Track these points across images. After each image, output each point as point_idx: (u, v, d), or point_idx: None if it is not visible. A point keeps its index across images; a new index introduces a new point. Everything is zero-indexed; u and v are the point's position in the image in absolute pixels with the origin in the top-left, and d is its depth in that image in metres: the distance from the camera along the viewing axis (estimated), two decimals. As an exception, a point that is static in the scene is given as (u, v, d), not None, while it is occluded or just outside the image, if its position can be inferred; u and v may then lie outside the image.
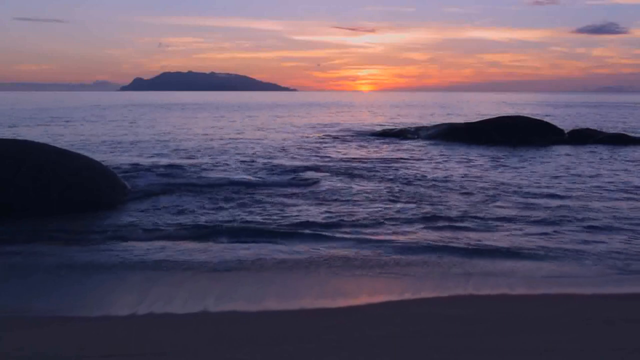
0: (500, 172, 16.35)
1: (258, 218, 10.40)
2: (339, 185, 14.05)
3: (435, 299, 6.65)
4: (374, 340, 5.17)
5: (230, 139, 27.39)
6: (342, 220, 10.27)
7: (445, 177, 15.43)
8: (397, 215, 10.67)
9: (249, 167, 17.32)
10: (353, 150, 22.43)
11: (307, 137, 28.67)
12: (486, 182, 14.53)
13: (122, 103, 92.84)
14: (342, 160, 19.20)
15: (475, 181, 14.73)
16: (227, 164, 17.84)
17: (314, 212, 10.86)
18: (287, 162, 18.46)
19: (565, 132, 26.18)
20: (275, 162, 18.40)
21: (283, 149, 22.42)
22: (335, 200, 12.15)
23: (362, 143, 25.31)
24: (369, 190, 13.31)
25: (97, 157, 16.50)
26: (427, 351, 4.92)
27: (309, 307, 6.42)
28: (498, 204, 11.85)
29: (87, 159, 12.54)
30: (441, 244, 8.83)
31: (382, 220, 10.28)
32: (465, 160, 19.14)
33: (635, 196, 12.89)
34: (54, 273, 7.39)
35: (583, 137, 25.23)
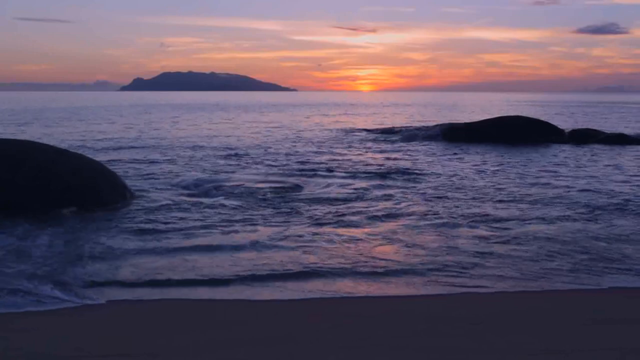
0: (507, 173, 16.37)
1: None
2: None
3: (436, 299, 6.66)
4: (374, 340, 5.17)
5: (251, 141, 27.38)
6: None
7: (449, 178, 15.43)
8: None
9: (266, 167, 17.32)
10: (357, 151, 22.44)
11: (309, 138, 28.66)
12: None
13: (124, 103, 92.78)
14: (350, 161, 19.20)
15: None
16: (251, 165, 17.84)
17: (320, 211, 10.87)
18: (297, 160, 18.48)
19: (566, 132, 26.19)
20: (289, 159, 18.42)
21: (293, 146, 22.45)
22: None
23: (365, 144, 25.31)
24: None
25: (98, 157, 16.52)
26: (427, 351, 4.92)
27: (309, 306, 6.43)
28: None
29: (87, 159, 12.55)
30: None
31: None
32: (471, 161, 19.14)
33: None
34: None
35: (583, 137, 25.25)
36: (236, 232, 9.46)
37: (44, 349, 4.99)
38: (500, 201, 12.04)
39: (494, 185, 14.05)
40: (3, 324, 5.71)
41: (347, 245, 8.73)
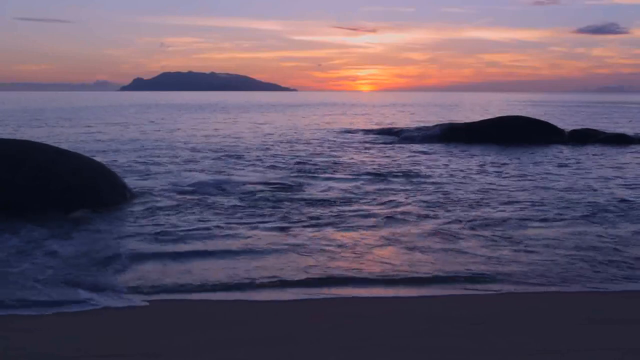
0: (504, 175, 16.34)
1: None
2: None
3: (436, 299, 6.66)
4: (375, 341, 5.17)
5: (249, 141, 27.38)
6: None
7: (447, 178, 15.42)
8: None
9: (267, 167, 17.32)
10: (357, 152, 22.43)
11: (309, 138, 28.66)
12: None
13: (124, 103, 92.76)
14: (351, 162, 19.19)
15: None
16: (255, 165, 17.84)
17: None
18: (294, 161, 18.48)
19: (566, 132, 26.19)
20: (288, 158, 18.43)
21: (292, 149, 22.46)
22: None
23: (364, 144, 25.31)
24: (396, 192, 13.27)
25: (98, 157, 16.50)
26: (428, 351, 4.92)
27: (309, 307, 6.42)
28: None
29: (87, 159, 12.55)
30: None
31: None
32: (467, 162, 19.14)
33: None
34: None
35: (583, 137, 25.27)
36: (235, 234, 9.39)
37: (45, 349, 4.98)
38: (501, 202, 12.02)
39: (494, 186, 14.04)
40: (4, 324, 5.71)
41: (347, 248, 8.68)
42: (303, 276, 7.36)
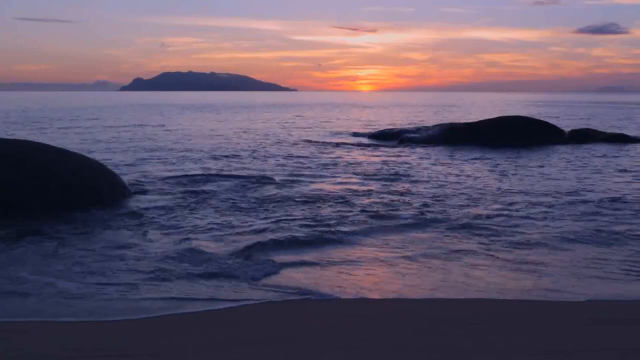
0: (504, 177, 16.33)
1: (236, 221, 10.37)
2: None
3: (436, 300, 6.65)
4: (375, 341, 5.16)
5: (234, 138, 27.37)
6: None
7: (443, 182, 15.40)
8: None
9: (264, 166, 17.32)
10: (355, 153, 22.43)
11: (307, 139, 28.66)
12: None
13: (124, 103, 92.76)
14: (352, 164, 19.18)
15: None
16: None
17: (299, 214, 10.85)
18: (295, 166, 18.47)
19: (566, 132, 26.18)
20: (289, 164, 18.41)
21: (290, 152, 22.47)
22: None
23: (363, 144, 25.31)
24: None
25: (97, 157, 16.50)
26: (428, 351, 4.91)
27: (308, 307, 6.41)
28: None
29: (87, 159, 12.56)
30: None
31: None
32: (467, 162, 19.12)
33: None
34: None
35: (583, 137, 25.26)
36: (231, 237, 9.21)
37: (43, 350, 4.98)
38: (501, 203, 12.00)
39: (494, 187, 14.02)
40: (4, 325, 5.71)
41: (345, 250, 8.64)
42: (302, 283, 7.21)
